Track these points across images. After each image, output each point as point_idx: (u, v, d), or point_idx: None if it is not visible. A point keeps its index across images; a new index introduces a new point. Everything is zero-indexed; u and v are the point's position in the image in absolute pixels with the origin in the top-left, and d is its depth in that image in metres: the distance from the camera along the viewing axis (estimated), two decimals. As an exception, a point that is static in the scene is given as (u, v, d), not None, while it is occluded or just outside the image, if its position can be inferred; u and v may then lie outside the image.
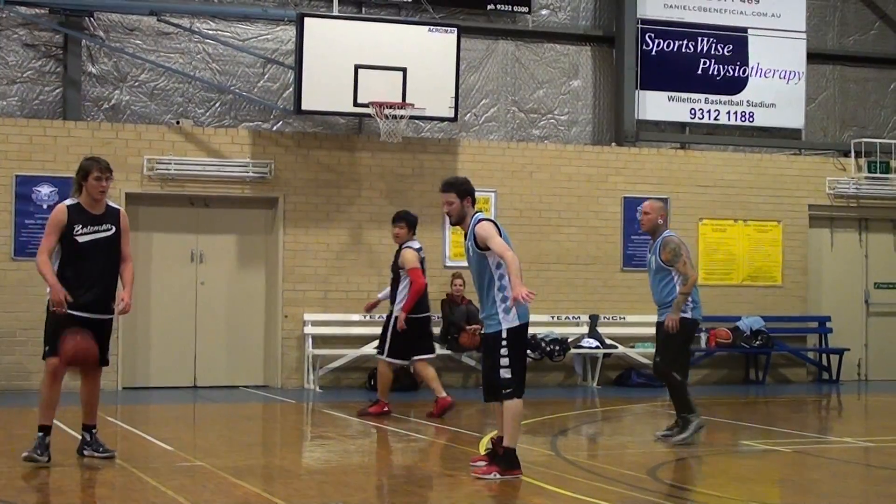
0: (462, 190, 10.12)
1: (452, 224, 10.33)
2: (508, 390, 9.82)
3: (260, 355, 18.63)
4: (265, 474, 10.07)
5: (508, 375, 9.81)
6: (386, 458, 11.91)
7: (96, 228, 10.44)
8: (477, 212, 10.14)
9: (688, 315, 12.14)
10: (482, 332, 10.27)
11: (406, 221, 14.64)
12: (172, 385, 18.18)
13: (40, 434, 10.29)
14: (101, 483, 9.55)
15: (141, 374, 18.10)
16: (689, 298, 12.12)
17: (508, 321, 9.80)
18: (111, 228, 10.56)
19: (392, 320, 14.39)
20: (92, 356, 10.31)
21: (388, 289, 14.91)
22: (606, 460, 11.35)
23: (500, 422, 9.99)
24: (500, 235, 9.83)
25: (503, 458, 9.85)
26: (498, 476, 9.73)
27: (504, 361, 9.81)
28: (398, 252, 14.59)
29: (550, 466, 10.58)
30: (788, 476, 10.84)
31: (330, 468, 10.91)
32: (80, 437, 10.74)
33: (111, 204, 10.67)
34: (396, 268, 14.57)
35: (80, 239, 10.35)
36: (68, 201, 10.47)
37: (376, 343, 15.08)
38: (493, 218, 10.21)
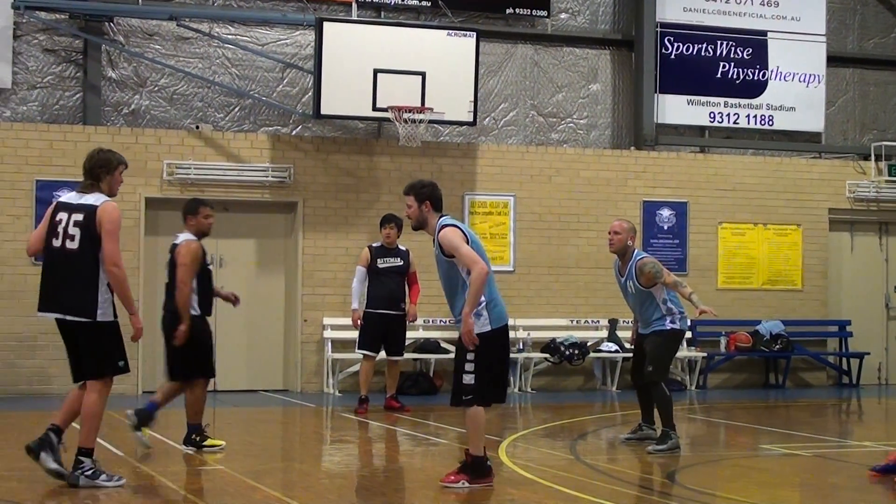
0: (420, 194, 9.69)
1: (414, 228, 9.93)
2: (468, 397, 9.38)
3: (279, 359, 18.66)
4: (285, 478, 10.08)
5: (471, 381, 9.35)
6: (405, 462, 11.91)
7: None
8: (442, 216, 9.73)
9: (676, 326, 12.13)
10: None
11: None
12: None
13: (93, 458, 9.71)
14: (122, 486, 9.56)
15: (161, 378, 18.11)
16: (676, 309, 12.11)
17: (479, 325, 9.33)
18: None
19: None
20: None
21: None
22: (626, 464, 11.33)
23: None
24: (468, 242, 9.43)
25: (471, 466, 9.50)
26: (466, 485, 9.38)
27: (468, 367, 9.36)
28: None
29: (570, 470, 10.57)
30: (808, 480, 10.80)
31: (349, 472, 10.92)
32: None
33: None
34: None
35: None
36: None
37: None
38: (458, 223, 9.68)
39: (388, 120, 18.13)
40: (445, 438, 13.27)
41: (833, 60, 21.54)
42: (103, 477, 9.53)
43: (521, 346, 18.64)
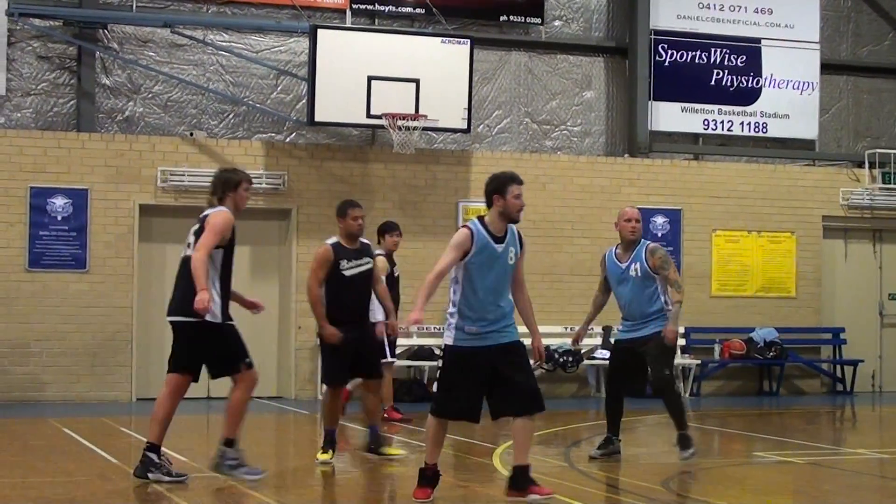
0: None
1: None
2: (432, 404, 9.26)
3: (273, 366, 18.64)
4: (278, 485, 10.07)
5: (435, 389, 9.33)
6: (399, 470, 11.90)
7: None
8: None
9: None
10: None
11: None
12: (186, 396, 18.07)
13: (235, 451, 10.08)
14: (115, 493, 9.55)
15: (155, 385, 18.07)
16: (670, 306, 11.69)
17: (448, 337, 9.12)
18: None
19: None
20: None
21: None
22: (620, 471, 11.32)
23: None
24: (465, 245, 9.02)
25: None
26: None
27: (439, 374, 9.27)
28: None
29: (563, 478, 10.56)
30: (802, 488, 10.81)
31: (343, 479, 10.91)
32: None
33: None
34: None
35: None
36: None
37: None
38: (471, 225, 9.23)
39: (382, 127, 18.14)
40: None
41: (827, 68, 21.57)
42: (244, 469, 9.91)
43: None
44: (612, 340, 11.97)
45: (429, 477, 9.20)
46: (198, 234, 9.96)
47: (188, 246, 9.97)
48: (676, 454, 11.47)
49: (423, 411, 16.22)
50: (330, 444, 11.35)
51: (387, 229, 15.48)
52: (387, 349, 14.82)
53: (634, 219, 11.72)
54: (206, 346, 9.94)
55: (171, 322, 10.03)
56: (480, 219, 9.30)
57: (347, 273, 11.23)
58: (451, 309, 9.09)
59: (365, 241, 11.61)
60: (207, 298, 9.50)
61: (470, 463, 11.88)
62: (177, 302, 9.96)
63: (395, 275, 15.38)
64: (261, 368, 19.08)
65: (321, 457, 11.28)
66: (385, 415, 14.99)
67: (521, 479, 9.10)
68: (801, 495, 10.52)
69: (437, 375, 9.30)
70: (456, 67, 18.35)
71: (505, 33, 20.08)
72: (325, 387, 11.86)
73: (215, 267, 9.94)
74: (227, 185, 10.16)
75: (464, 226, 9.23)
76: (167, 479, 9.84)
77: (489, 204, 9.33)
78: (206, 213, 10.12)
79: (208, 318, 9.72)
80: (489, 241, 9.15)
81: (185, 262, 9.93)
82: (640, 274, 11.62)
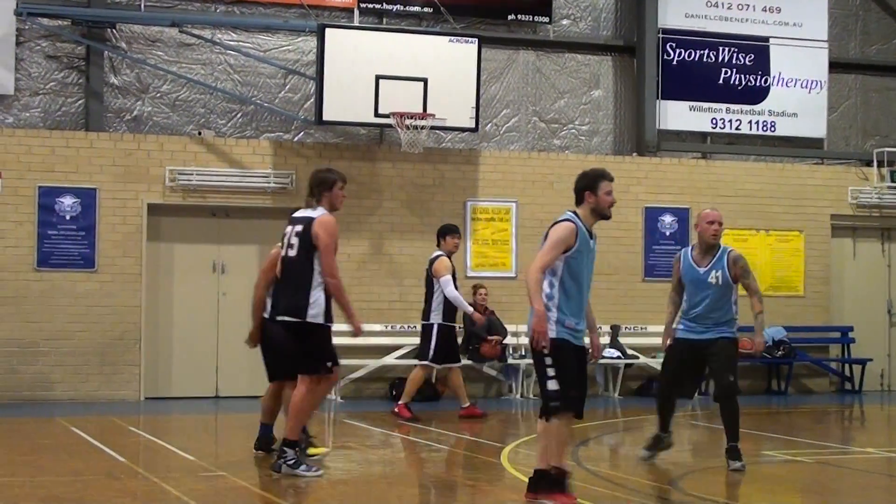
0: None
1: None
2: (550, 405, 8.86)
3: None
4: (288, 484, 10.07)
5: (551, 388, 8.83)
6: (407, 468, 11.91)
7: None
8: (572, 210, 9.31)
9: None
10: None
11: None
12: (194, 395, 18.21)
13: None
14: (123, 492, 9.56)
15: (163, 385, 18.15)
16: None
17: (550, 331, 8.80)
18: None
19: (436, 328, 15.27)
20: None
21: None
22: (628, 471, 11.31)
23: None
24: (570, 240, 8.91)
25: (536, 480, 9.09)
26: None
27: (550, 372, 8.84)
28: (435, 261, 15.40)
29: (572, 477, 10.54)
30: (811, 487, 10.79)
31: (351, 478, 10.91)
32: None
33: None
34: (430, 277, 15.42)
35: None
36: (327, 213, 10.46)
37: (397, 353, 15.51)
38: (573, 219, 9.14)
39: (390, 126, 18.15)
40: (447, 445, 13.26)
41: (835, 66, 21.54)
42: (303, 467, 10.19)
43: (524, 353, 18.62)
44: (672, 339, 11.45)
45: (560, 480, 8.99)
46: (300, 235, 10.31)
47: (290, 247, 10.37)
48: (726, 464, 11.07)
49: (431, 410, 16.29)
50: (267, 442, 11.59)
51: (447, 231, 15.70)
52: (431, 352, 15.27)
53: (717, 221, 11.34)
54: (306, 345, 10.30)
55: (285, 322, 10.36)
56: (575, 214, 9.20)
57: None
58: (546, 302, 8.80)
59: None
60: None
61: (478, 462, 11.87)
62: (287, 301, 10.34)
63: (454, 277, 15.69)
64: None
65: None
66: (462, 413, 15.38)
67: (554, 482, 9.00)
68: (809, 494, 10.50)
69: (546, 374, 8.80)
70: (464, 66, 18.34)
71: (513, 32, 20.07)
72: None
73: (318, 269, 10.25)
74: (323, 184, 10.51)
75: (565, 220, 9.08)
76: (308, 474, 10.19)
77: (579, 200, 9.28)
78: (306, 213, 10.44)
79: (318, 320, 10.17)
80: (587, 236, 9.07)
81: (290, 264, 10.34)
82: (720, 283, 11.30)
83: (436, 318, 15.25)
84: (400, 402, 15.43)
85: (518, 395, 18.56)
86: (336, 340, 18.29)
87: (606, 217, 9.27)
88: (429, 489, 10.28)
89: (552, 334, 8.77)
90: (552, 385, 8.80)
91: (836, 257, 21.22)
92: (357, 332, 10.56)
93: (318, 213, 10.36)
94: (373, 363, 18.31)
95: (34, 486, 9.80)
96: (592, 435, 14.26)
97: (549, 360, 8.80)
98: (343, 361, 17.86)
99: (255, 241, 18.60)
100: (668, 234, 19.94)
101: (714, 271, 11.26)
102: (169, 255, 18.26)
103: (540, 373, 8.90)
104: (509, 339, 18.40)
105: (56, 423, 14.55)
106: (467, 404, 15.47)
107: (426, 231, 18.06)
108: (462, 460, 12.21)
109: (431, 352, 15.26)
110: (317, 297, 10.16)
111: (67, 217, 17.49)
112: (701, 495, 10.15)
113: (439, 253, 15.45)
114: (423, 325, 15.46)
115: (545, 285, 8.85)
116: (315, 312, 10.15)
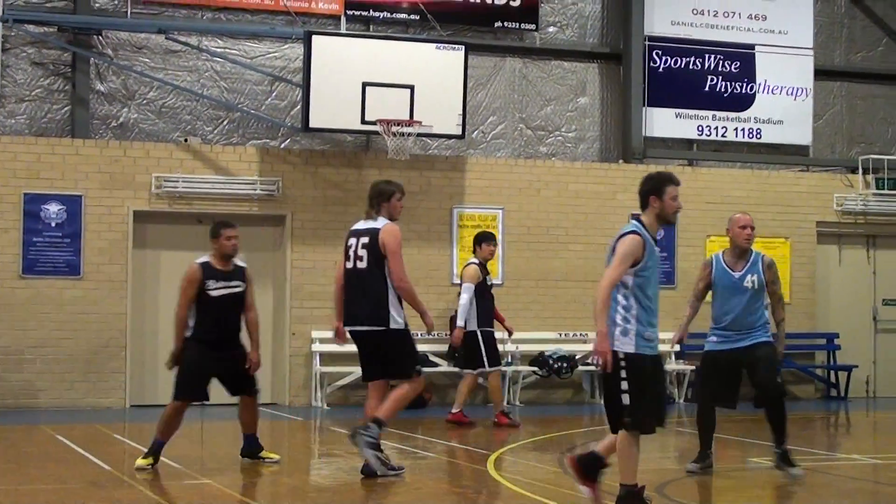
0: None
1: None
2: (627, 419, 8.66)
3: (268, 373, 18.59)
4: (273, 492, 10.06)
5: (626, 402, 8.58)
6: (393, 477, 11.88)
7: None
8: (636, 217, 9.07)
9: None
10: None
11: None
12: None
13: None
14: (108, 500, 9.54)
15: (149, 392, 18.10)
16: None
17: (628, 344, 8.53)
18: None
19: (479, 334, 15.66)
20: None
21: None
22: (614, 477, 11.30)
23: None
24: (637, 253, 8.60)
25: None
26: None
27: (623, 385, 8.55)
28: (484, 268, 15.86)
29: (558, 484, 10.55)
30: (797, 493, 10.80)
31: (338, 486, 10.90)
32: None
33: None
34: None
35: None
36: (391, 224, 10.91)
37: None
38: (639, 231, 8.80)
39: (376, 133, 18.14)
40: (433, 452, 13.25)
41: (820, 74, 21.59)
42: (378, 454, 10.56)
43: (510, 360, 18.63)
44: (704, 353, 11.42)
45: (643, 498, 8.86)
46: (367, 246, 10.66)
47: (359, 259, 10.71)
48: (783, 473, 11.02)
49: (417, 417, 16.27)
50: (154, 452, 11.24)
51: (483, 239, 16.02)
52: (485, 358, 15.56)
53: (749, 226, 11.36)
54: (393, 352, 10.78)
55: (367, 332, 10.79)
56: (639, 221, 8.89)
57: (214, 294, 11.43)
58: (625, 314, 8.52)
59: (241, 263, 11.91)
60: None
61: (464, 469, 11.86)
62: (368, 311, 10.70)
63: (489, 283, 15.94)
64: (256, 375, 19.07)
65: (140, 462, 11.09)
66: (495, 420, 15.61)
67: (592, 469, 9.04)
68: (795, 501, 10.52)
69: (620, 388, 8.52)
70: (450, 73, 18.35)
71: (499, 39, 20.09)
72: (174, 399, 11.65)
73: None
74: (382, 195, 10.90)
75: (631, 232, 8.74)
76: (391, 472, 10.60)
77: (644, 205, 9.04)
78: (368, 225, 10.80)
79: (399, 325, 10.69)
80: (654, 245, 8.78)
81: (363, 274, 10.69)
82: (756, 286, 11.24)
83: (472, 325, 15.57)
84: (454, 410, 15.71)
85: (505, 403, 18.52)
86: (323, 348, 18.32)
87: (671, 223, 9.15)
88: (416, 497, 10.26)
89: (630, 348, 8.50)
90: (625, 399, 8.55)
91: (822, 264, 21.26)
92: (430, 329, 11.07)
93: (381, 222, 10.75)
94: (359, 370, 18.20)
95: (19, 493, 9.77)
96: (579, 442, 14.26)
97: (623, 374, 8.53)
98: (330, 369, 18.01)
99: (241, 249, 18.54)
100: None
101: (749, 275, 11.25)
102: (155, 262, 18.23)
103: (611, 383, 8.61)
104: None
105: (41, 431, 14.51)
106: (507, 409, 15.94)
107: (413, 238, 18.04)
108: (448, 468, 12.20)
109: (485, 358, 15.57)
110: (394, 304, 10.63)
111: (53, 224, 17.45)
112: (686, 502, 10.16)
113: (473, 261, 15.90)
114: (464, 334, 15.62)
115: (619, 297, 8.55)
116: (394, 320, 10.63)
